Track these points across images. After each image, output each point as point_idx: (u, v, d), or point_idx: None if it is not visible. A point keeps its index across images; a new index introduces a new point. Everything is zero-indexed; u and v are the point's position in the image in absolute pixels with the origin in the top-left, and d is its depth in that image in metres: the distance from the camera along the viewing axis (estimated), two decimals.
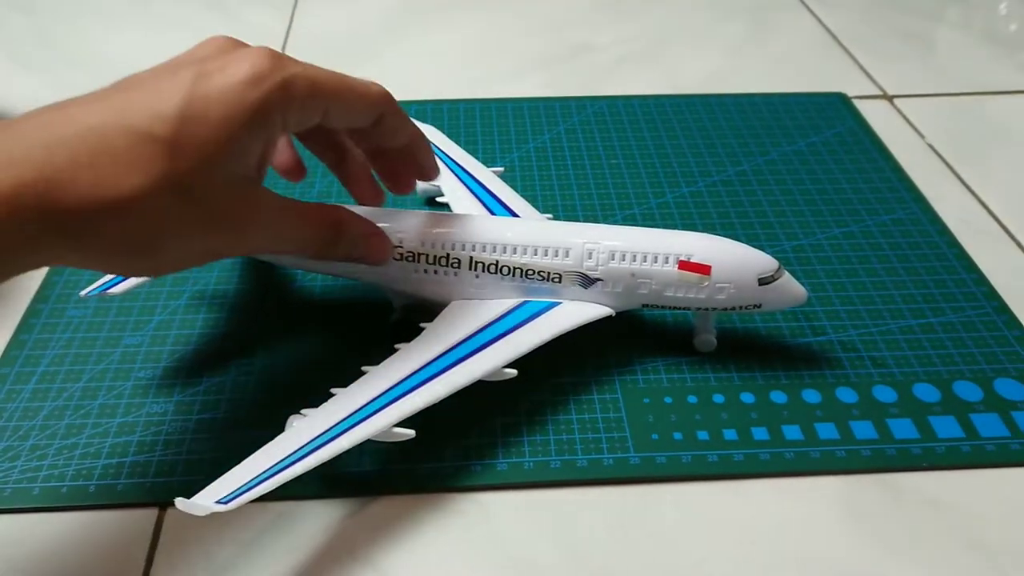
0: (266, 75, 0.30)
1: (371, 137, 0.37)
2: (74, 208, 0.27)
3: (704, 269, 0.38)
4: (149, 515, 0.36)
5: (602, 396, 0.41)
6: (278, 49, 0.69)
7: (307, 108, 0.32)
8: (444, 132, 0.54)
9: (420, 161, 0.39)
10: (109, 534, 0.35)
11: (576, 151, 0.59)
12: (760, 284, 0.38)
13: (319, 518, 0.36)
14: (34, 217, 0.27)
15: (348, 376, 0.37)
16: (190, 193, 0.29)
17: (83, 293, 0.40)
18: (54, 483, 0.37)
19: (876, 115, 0.63)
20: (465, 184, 0.48)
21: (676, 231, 0.40)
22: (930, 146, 0.60)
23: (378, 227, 0.38)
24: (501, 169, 0.51)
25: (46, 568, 0.34)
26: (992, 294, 0.47)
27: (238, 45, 0.33)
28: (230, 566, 0.34)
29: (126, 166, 0.28)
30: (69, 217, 0.27)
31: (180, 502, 0.30)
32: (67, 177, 0.27)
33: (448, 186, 0.48)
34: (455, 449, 0.38)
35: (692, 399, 0.41)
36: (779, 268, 0.39)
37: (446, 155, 0.51)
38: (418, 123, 0.54)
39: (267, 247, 0.35)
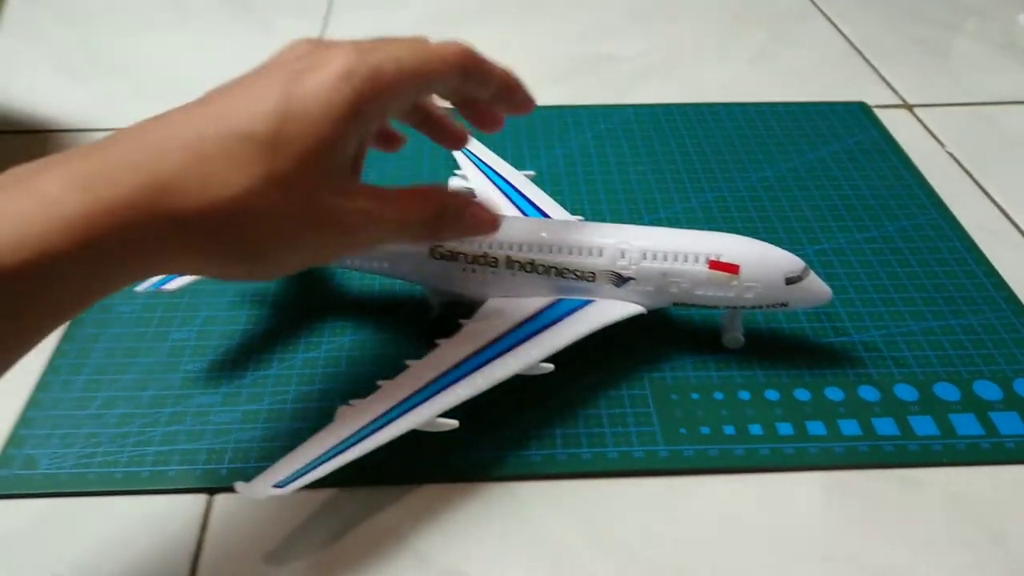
0: (355, 68, 0.31)
1: (460, 92, 0.36)
2: (186, 210, 0.28)
3: (733, 268, 0.40)
4: (199, 500, 0.37)
5: (631, 392, 0.42)
6: None
7: (399, 92, 0.33)
8: (474, 136, 0.56)
9: (512, 100, 0.37)
10: (161, 518, 0.37)
11: (603, 157, 0.60)
12: (787, 283, 0.40)
13: (361, 505, 0.37)
14: (149, 222, 0.28)
15: (392, 370, 0.38)
16: (292, 191, 0.30)
17: (138, 288, 0.42)
18: (108, 468, 0.38)
19: (896, 124, 0.64)
20: (498, 187, 0.50)
21: (706, 232, 0.42)
22: (950, 154, 0.61)
23: (477, 200, 0.38)
24: (532, 173, 0.52)
25: (103, 548, 0.36)
26: (1011, 297, 0.48)
27: (322, 45, 0.34)
28: (277, 550, 0.35)
29: (229, 167, 0.29)
30: (182, 220, 0.28)
31: (239, 486, 0.32)
32: (178, 183, 0.28)
33: (481, 188, 0.50)
34: (491, 441, 0.39)
35: (718, 395, 0.42)
36: (805, 268, 0.40)
37: (478, 159, 0.53)
38: None
39: (373, 239, 0.35)
